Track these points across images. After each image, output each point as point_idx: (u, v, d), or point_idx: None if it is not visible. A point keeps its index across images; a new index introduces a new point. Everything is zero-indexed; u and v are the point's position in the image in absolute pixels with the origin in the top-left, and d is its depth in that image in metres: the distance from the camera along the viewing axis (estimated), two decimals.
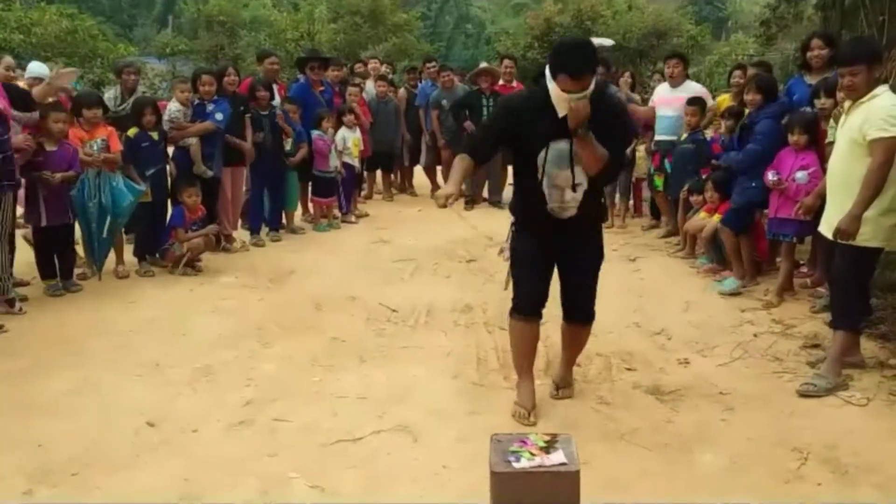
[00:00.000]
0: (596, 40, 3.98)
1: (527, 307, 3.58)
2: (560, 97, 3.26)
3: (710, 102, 7.34)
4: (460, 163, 3.46)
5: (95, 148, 5.67)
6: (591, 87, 3.24)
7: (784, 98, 5.74)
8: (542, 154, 3.37)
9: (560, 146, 3.36)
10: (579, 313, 3.71)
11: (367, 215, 8.79)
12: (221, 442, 3.38)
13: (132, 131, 6.09)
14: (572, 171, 3.38)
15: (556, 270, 3.65)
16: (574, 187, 3.40)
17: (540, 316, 3.61)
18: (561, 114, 3.30)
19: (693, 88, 7.36)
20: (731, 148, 5.88)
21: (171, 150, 6.59)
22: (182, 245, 6.08)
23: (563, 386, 3.85)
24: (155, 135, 6.18)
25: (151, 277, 6.03)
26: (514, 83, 9.67)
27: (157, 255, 6.26)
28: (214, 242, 6.52)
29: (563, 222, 3.47)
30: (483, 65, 9.63)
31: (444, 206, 3.27)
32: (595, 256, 3.67)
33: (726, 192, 5.90)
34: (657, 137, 7.50)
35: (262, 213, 7.48)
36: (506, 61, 9.98)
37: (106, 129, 5.83)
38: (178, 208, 6.22)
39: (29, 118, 5.49)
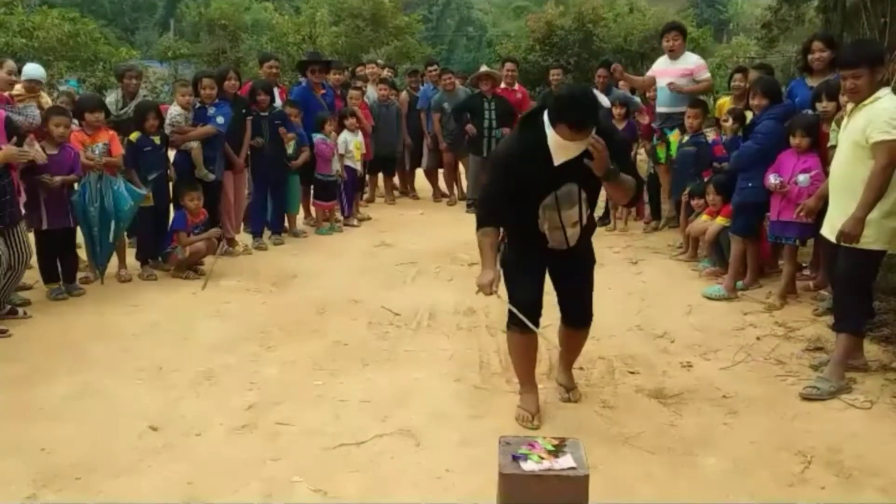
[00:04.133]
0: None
1: (522, 323, 3.49)
2: (559, 145, 3.22)
3: (706, 75, 7.54)
4: (485, 239, 3.39)
5: (97, 152, 5.68)
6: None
7: (787, 101, 5.74)
8: (549, 199, 3.35)
9: (564, 189, 3.34)
10: (579, 317, 3.70)
11: (369, 219, 8.79)
12: (224, 446, 3.39)
13: (134, 135, 6.09)
14: (580, 210, 3.41)
15: (549, 278, 3.65)
16: (577, 223, 3.44)
17: (537, 326, 3.56)
18: (557, 162, 3.26)
19: (692, 60, 7.49)
20: (735, 150, 5.87)
21: (172, 153, 6.60)
22: (185, 249, 6.08)
23: (571, 388, 3.85)
24: (157, 139, 6.18)
25: (154, 281, 6.04)
26: (516, 86, 9.70)
27: (160, 259, 6.27)
28: (216, 246, 6.52)
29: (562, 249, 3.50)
30: (484, 68, 9.64)
31: (492, 293, 3.31)
32: (589, 261, 3.68)
33: (728, 195, 5.89)
34: (658, 109, 7.59)
35: (265, 217, 7.49)
36: (507, 64, 9.99)
37: (107, 132, 5.84)
38: (181, 212, 6.23)
39: (31, 125, 5.51)
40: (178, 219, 6.20)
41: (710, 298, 5.54)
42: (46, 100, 6.46)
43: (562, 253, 3.51)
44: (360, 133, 8.41)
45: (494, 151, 3.45)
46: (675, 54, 7.48)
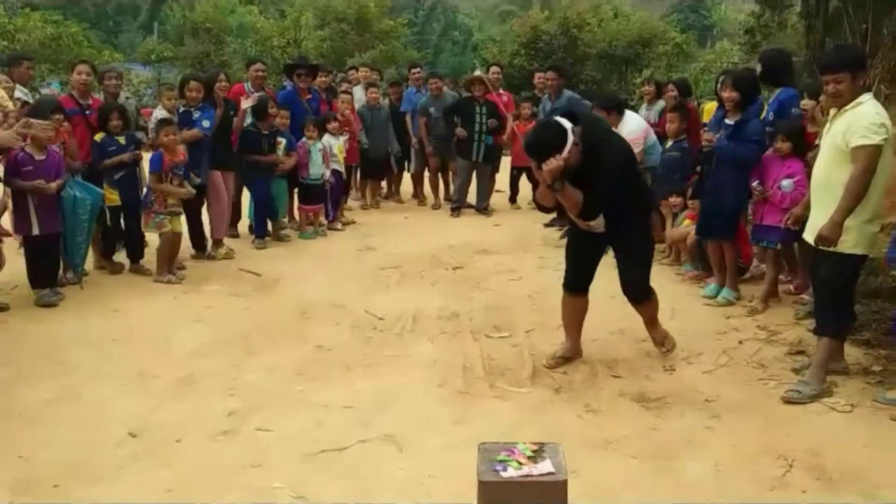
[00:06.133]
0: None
1: (567, 285, 4.39)
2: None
3: (639, 146, 6.74)
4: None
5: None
6: (565, 153, 3.76)
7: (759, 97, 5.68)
8: None
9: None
10: (628, 292, 4.29)
11: (353, 223, 8.76)
12: (205, 452, 3.35)
13: (98, 136, 6.12)
14: None
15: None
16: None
17: (581, 292, 4.36)
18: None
19: (634, 124, 6.98)
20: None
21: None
22: (162, 223, 6.05)
23: (659, 342, 4.45)
24: (122, 139, 6.19)
25: (134, 285, 5.99)
26: (501, 90, 9.70)
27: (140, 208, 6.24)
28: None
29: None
30: (477, 73, 9.61)
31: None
32: (636, 242, 4.20)
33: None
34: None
35: (266, 216, 7.59)
36: (493, 68, 10.00)
37: (62, 132, 5.77)
38: (157, 153, 6.13)
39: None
40: (155, 160, 6.08)
41: (722, 304, 5.49)
42: (2, 94, 6.29)
43: (611, 232, 4.17)
44: (341, 136, 8.37)
45: None
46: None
